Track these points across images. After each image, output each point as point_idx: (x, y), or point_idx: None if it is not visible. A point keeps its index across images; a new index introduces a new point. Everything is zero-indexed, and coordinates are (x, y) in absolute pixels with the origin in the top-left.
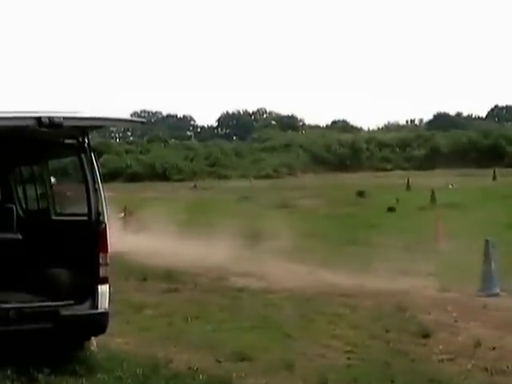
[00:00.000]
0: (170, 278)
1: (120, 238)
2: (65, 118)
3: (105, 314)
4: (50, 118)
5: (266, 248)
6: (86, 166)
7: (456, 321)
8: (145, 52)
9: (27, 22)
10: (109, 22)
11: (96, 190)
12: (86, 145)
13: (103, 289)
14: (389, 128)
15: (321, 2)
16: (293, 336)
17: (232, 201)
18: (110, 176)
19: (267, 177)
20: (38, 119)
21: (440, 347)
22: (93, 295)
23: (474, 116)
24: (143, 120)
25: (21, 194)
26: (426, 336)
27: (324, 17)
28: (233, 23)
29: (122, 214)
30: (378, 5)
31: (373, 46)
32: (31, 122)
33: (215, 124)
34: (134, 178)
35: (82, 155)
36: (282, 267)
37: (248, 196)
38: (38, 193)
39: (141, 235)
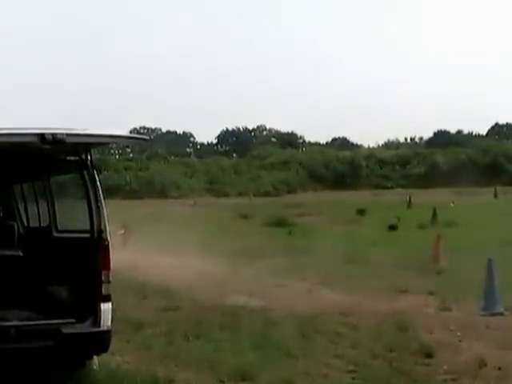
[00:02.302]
0: (170, 295)
1: (119, 255)
2: (68, 135)
3: (107, 333)
4: (53, 135)
5: (265, 266)
6: (88, 182)
7: (459, 340)
8: (141, 69)
9: (25, 39)
10: (110, 36)
11: (98, 207)
12: (88, 161)
13: (105, 307)
14: (388, 145)
15: (317, 18)
16: (294, 355)
17: (231, 218)
18: (109, 193)
19: (266, 194)
20: (41, 135)
21: (443, 367)
22: (95, 313)
23: (474, 134)
24: (146, 137)
25: (22, 211)
26: (428, 355)
27: (322, 33)
28: (233, 39)
29: (122, 231)
30: (376, 22)
31: (372, 64)
32: (34, 139)
33: (215, 141)
34: (132, 194)
35: (85, 172)
36: (281, 285)
37: (247, 213)
38: (40, 209)
39: (140, 252)
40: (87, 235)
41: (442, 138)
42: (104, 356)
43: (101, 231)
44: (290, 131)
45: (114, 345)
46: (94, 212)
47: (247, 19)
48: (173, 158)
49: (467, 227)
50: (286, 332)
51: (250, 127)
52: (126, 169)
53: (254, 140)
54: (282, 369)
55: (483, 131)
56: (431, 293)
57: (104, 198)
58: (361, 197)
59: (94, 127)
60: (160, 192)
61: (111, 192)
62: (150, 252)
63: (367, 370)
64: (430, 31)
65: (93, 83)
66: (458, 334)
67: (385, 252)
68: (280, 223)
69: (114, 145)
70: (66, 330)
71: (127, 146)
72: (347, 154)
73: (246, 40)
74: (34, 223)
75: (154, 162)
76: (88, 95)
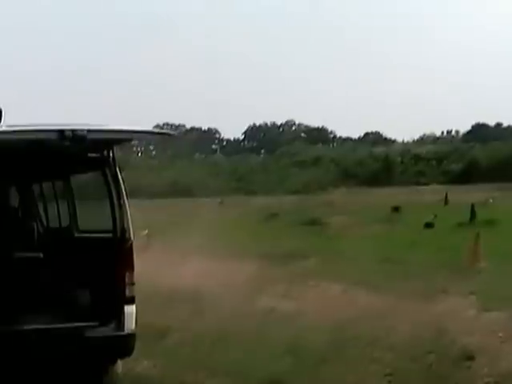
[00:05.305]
0: (198, 299)
1: (143, 258)
2: (89, 131)
3: (131, 336)
4: (73, 131)
5: (298, 267)
6: (110, 180)
7: (501, 342)
8: (166, 63)
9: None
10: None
11: (121, 206)
12: (110, 159)
13: (129, 309)
14: (424, 140)
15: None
16: (328, 360)
17: (260, 218)
18: (132, 192)
19: (296, 192)
20: (61, 132)
21: (485, 370)
22: (119, 316)
23: None
24: (172, 132)
25: (42, 211)
26: (469, 359)
27: (353, 22)
28: (259, 32)
29: (145, 232)
30: (408, 11)
31: (406, 54)
32: (53, 135)
33: (242, 137)
34: (156, 194)
35: (107, 170)
36: (314, 287)
37: (277, 213)
38: (60, 209)
39: (165, 254)
40: (110, 235)
41: (480, 132)
42: (130, 360)
43: (124, 231)
44: (320, 126)
45: (139, 350)
46: (117, 211)
47: (274, 14)
48: (198, 155)
49: (508, 225)
50: (320, 336)
51: (279, 122)
52: (149, 167)
53: (283, 136)
54: (316, 375)
55: None
56: (471, 293)
57: (127, 197)
58: (396, 194)
59: (117, 123)
60: (185, 191)
61: (134, 192)
62: (175, 254)
63: (406, 375)
64: (466, 20)
65: (115, 79)
66: (500, 335)
67: (422, 251)
68: (312, 223)
69: (137, 142)
70: (88, 334)
71: (150, 144)
72: (381, 149)
73: (272, 33)
74: (54, 223)
75: (179, 161)
76: (111, 91)
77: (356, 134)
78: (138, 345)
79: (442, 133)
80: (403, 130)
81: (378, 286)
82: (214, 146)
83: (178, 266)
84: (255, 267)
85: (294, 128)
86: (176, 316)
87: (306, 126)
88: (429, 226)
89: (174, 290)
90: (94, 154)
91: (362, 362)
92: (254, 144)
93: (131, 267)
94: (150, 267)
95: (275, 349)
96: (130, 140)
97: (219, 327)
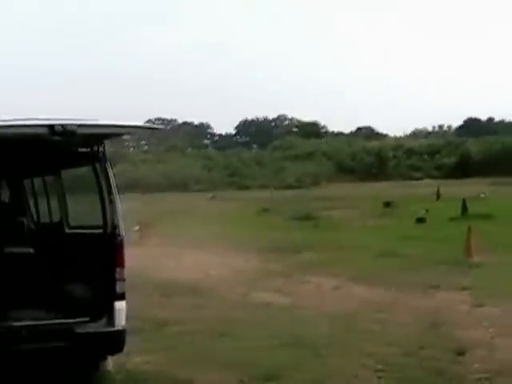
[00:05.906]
0: (195, 293)
1: (135, 253)
2: (79, 126)
3: (122, 332)
4: (63, 126)
5: (293, 262)
6: (100, 176)
7: (491, 337)
8: (157, 58)
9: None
10: (117, 29)
11: (112, 202)
12: (100, 154)
13: (120, 305)
14: (416, 135)
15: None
16: (324, 354)
17: (251, 212)
18: (125, 187)
19: (290, 187)
20: (51, 127)
21: (477, 365)
22: (109, 312)
23: (506, 121)
24: (160, 127)
25: (32, 207)
26: (461, 353)
27: (344, 18)
28: (252, 25)
29: (137, 227)
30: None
31: (398, 48)
32: (43, 130)
33: (234, 132)
34: (150, 188)
35: (97, 165)
36: (310, 281)
37: (270, 207)
38: (51, 205)
39: (160, 249)
40: (100, 231)
41: (472, 126)
42: (122, 356)
43: (114, 227)
44: (312, 121)
45: (135, 344)
46: (107, 207)
47: (271, 12)
48: (191, 150)
49: (502, 220)
50: (316, 330)
51: (271, 117)
52: (142, 162)
53: (275, 130)
54: (312, 368)
55: None
56: (465, 288)
57: (118, 193)
58: (389, 188)
59: (108, 118)
60: (179, 185)
61: (127, 186)
62: (170, 248)
63: (399, 369)
64: (458, 16)
65: (107, 74)
66: (490, 331)
67: (415, 246)
68: (306, 217)
69: (129, 136)
70: (79, 330)
71: (143, 139)
72: (374, 144)
73: (265, 26)
74: (44, 219)
75: (172, 155)
76: (103, 86)
77: (348, 128)
78: (134, 338)
79: (434, 127)
80: (395, 125)
81: (374, 281)
82: (205, 141)
83: (173, 261)
84: (251, 262)
85: (286, 122)
86: (174, 310)
87: (298, 121)
88: (420, 220)
89: (172, 284)
90: (84, 149)
91: (357, 356)
92: (247, 139)
93: (121, 263)
94: (143, 263)
95: (272, 342)
96: (120, 135)
97: (216, 320)
